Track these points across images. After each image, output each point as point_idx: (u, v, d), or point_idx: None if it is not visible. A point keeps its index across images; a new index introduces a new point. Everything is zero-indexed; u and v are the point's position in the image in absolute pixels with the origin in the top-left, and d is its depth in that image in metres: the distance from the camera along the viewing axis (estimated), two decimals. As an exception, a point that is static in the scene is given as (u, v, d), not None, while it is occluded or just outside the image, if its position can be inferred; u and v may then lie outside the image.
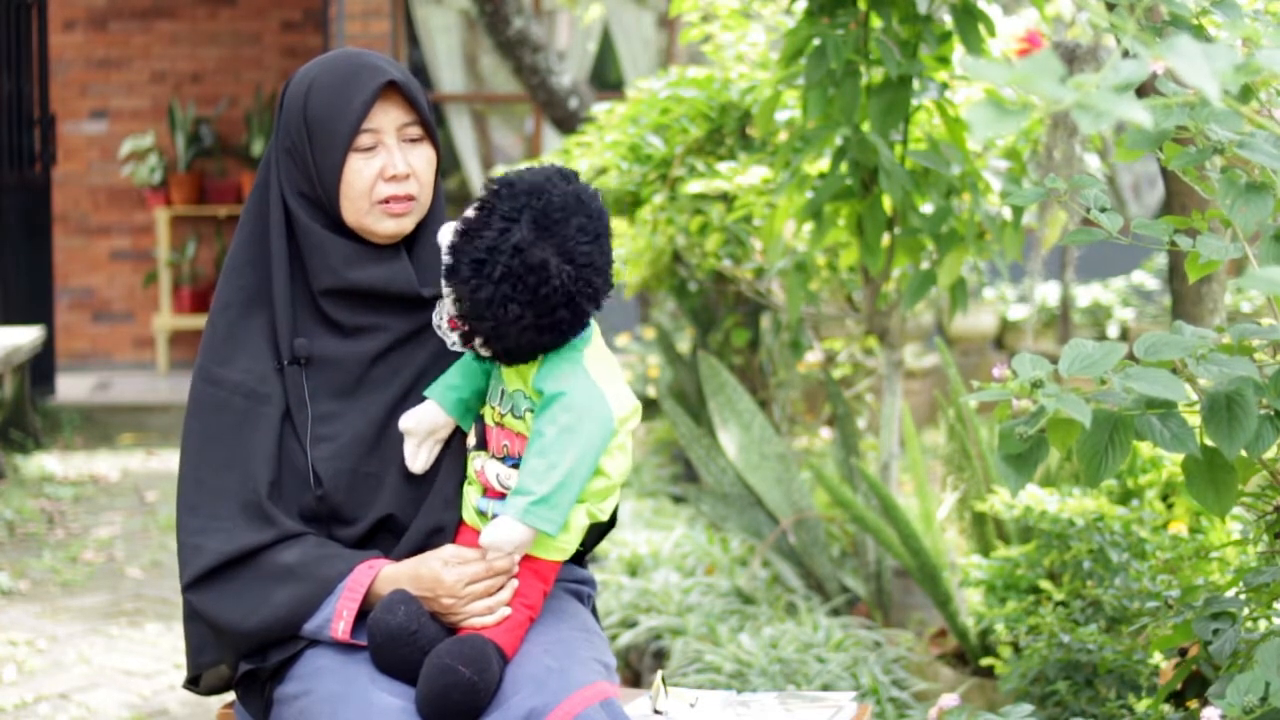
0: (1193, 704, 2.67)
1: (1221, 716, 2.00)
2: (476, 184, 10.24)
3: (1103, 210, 2.16)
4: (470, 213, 2.19)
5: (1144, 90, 3.01)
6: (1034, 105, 1.34)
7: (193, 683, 2.42)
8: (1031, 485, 3.47)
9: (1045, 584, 3.44)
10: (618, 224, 5.06)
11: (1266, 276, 1.51)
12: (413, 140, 2.32)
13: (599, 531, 2.37)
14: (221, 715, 2.48)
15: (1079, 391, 1.85)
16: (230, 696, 2.49)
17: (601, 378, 2.23)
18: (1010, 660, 3.42)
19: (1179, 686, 2.69)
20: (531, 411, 2.22)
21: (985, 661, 3.68)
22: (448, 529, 2.30)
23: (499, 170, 6.15)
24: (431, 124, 2.34)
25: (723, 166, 4.70)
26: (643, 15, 10.21)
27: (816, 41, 3.78)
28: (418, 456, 2.31)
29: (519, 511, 2.16)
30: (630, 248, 5.11)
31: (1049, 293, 9.48)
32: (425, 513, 2.30)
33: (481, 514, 2.26)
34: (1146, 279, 9.64)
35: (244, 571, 2.26)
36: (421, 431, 2.30)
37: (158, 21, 10.55)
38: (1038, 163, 4.08)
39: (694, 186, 4.70)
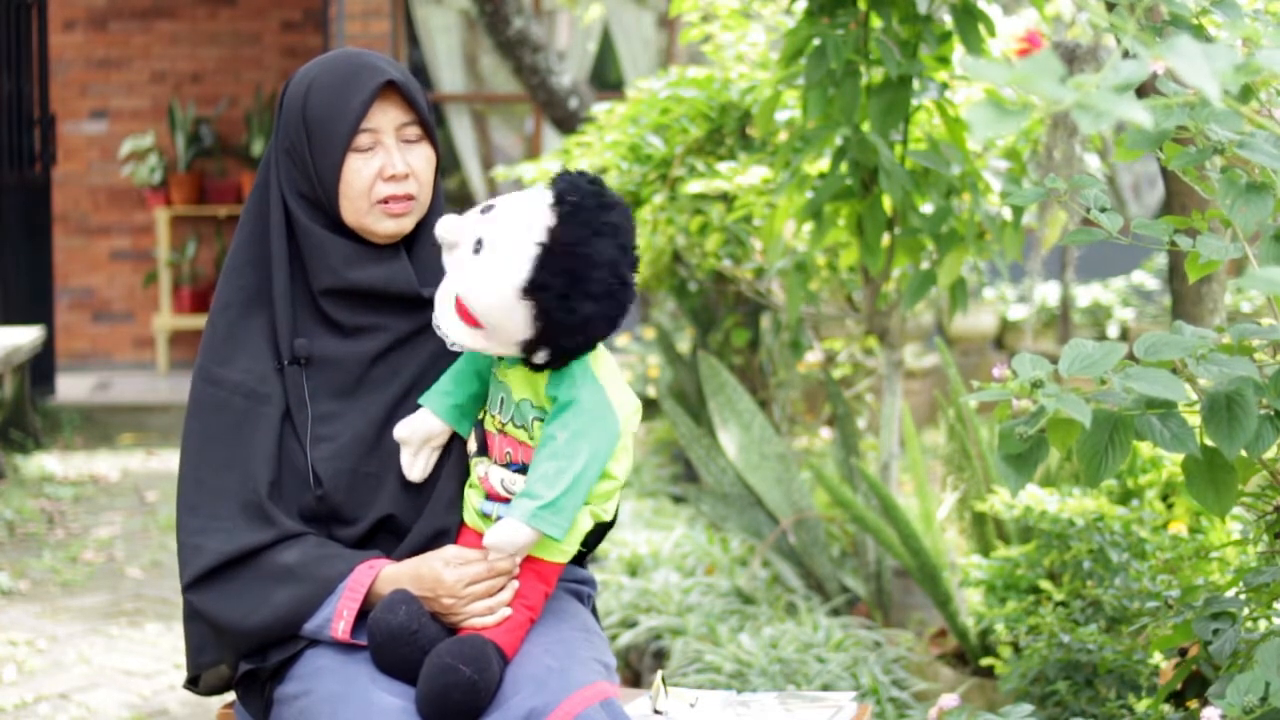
0: (1193, 704, 2.67)
1: (1221, 716, 2.00)
2: (477, 184, 10.24)
3: (1103, 210, 2.16)
4: (546, 223, 2.14)
5: (1144, 90, 3.01)
6: (1034, 105, 1.34)
7: (193, 683, 2.42)
8: (1031, 485, 3.47)
9: (1045, 584, 3.44)
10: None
11: (1266, 276, 1.51)
12: (411, 140, 2.32)
13: (600, 530, 2.37)
14: (221, 715, 2.48)
15: (1079, 391, 1.85)
16: (230, 696, 2.49)
17: (608, 382, 2.23)
18: (1010, 660, 3.42)
19: (1179, 686, 2.69)
20: (540, 420, 2.21)
21: (985, 661, 3.68)
22: (450, 532, 2.30)
23: (500, 171, 6.15)
24: (430, 124, 2.34)
25: (723, 166, 4.70)
26: (643, 15, 10.21)
27: (816, 41, 3.78)
28: (415, 465, 2.30)
29: (525, 514, 2.16)
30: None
31: (1049, 293, 9.48)
32: (428, 516, 2.30)
33: (485, 516, 2.26)
34: (1146, 279, 9.64)
35: (244, 571, 2.26)
36: (416, 440, 2.29)
37: (158, 21, 10.55)
38: (1038, 163, 4.08)
39: (694, 186, 4.70)
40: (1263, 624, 2.45)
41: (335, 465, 2.29)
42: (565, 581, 2.43)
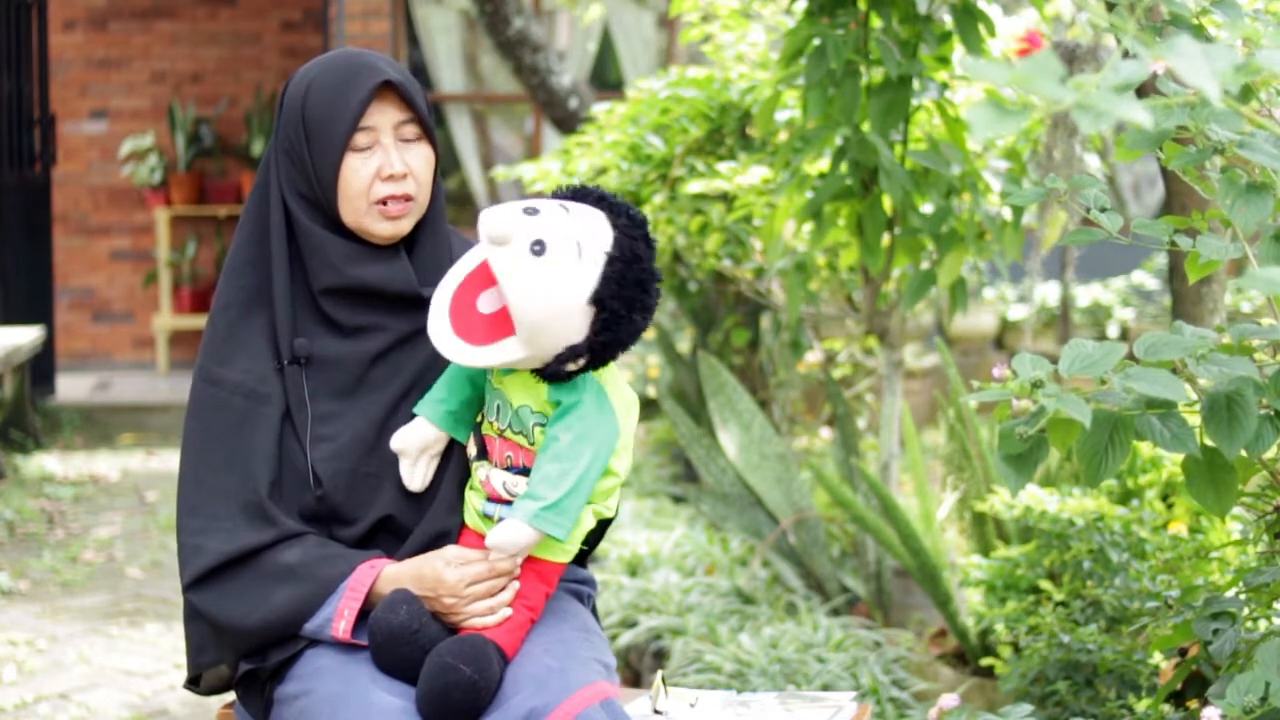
0: (1193, 704, 2.67)
1: (1221, 716, 2.00)
2: (476, 184, 10.24)
3: (1103, 210, 2.16)
4: (609, 234, 2.15)
5: (1144, 90, 3.01)
6: (1034, 105, 1.34)
7: (193, 682, 2.42)
8: (1031, 485, 3.47)
9: (1045, 584, 3.44)
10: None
11: (1266, 276, 1.51)
12: (410, 139, 2.32)
13: (602, 527, 2.37)
14: (221, 715, 2.48)
15: (1079, 391, 1.85)
16: (230, 696, 2.49)
17: (608, 382, 2.24)
18: (1010, 660, 3.42)
19: (1179, 686, 2.69)
20: (540, 425, 2.21)
21: (985, 661, 3.68)
22: (451, 534, 2.30)
23: (500, 171, 6.14)
24: (429, 124, 2.33)
25: (723, 166, 4.70)
26: (643, 15, 10.21)
27: (816, 41, 3.78)
28: (414, 475, 2.30)
29: (529, 515, 2.16)
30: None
31: (1049, 293, 9.48)
32: (429, 519, 2.30)
33: (486, 518, 2.26)
34: (1146, 279, 9.64)
35: (244, 571, 2.26)
36: (414, 450, 2.29)
37: (158, 21, 10.55)
38: (1038, 163, 4.08)
39: (694, 186, 4.70)
40: (1263, 624, 2.45)
41: (335, 465, 2.29)
42: (565, 581, 2.43)
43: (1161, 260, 8.97)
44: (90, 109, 10.55)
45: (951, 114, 3.91)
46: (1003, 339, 9.45)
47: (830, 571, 4.47)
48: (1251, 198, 1.97)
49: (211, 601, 2.27)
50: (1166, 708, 2.71)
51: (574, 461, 2.17)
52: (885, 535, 4.00)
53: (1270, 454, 2.22)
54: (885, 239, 4.00)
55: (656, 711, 2.47)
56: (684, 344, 6.49)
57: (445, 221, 2.41)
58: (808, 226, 4.26)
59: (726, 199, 4.87)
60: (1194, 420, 1.94)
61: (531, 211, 2.14)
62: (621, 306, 2.12)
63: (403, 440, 2.28)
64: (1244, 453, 1.92)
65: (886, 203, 3.95)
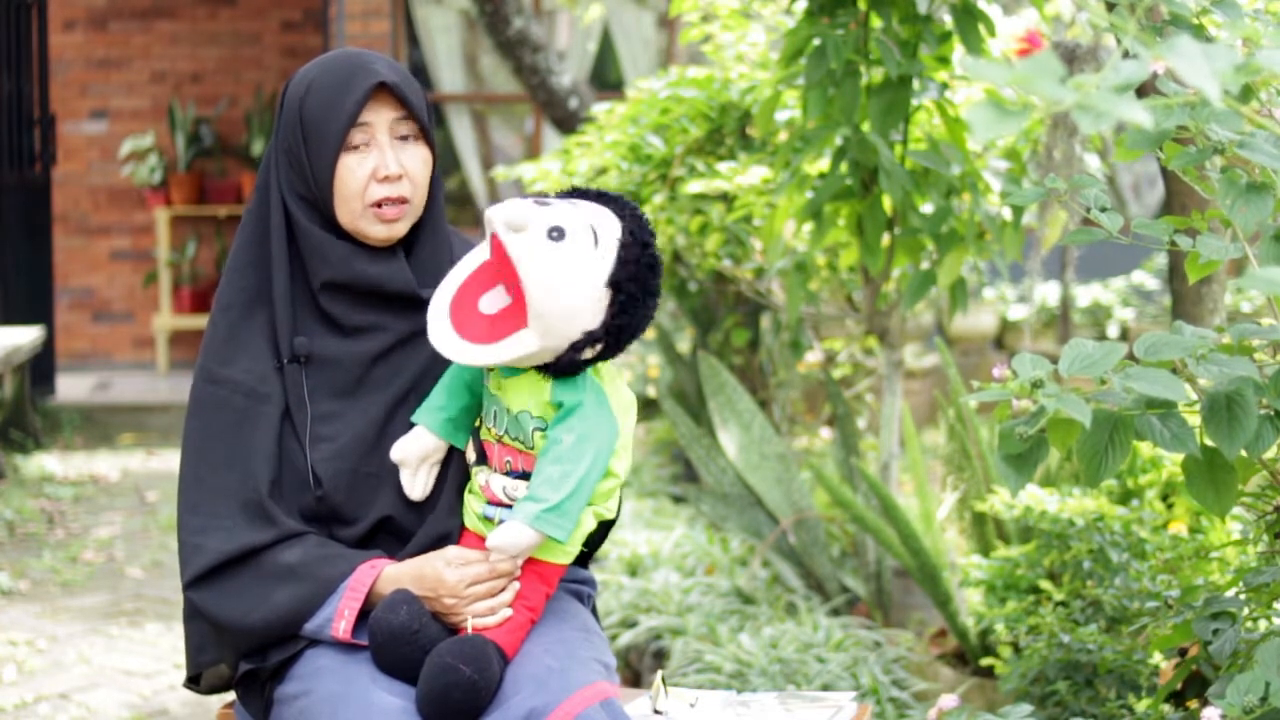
0: (1193, 704, 2.67)
1: (1221, 716, 2.00)
2: (476, 184, 10.25)
3: (1103, 210, 2.16)
4: (619, 223, 2.18)
5: (1144, 90, 3.01)
6: (1034, 106, 1.34)
7: (193, 681, 2.42)
8: (1031, 485, 3.47)
9: (1045, 584, 3.44)
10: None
11: (1266, 276, 1.51)
12: (405, 138, 2.31)
13: (604, 529, 2.37)
14: (221, 715, 2.48)
15: (1079, 391, 1.85)
16: (230, 696, 2.49)
17: (608, 383, 2.24)
18: (1010, 660, 3.42)
19: (1179, 686, 2.69)
20: (540, 431, 2.21)
21: (985, 661, 3.68)
22: (452, 536, 2.30)
23: (500, 171, 6.14)
24: (426, 125, 2.32)
25: (723, 166, 4.70)
26: (643, 15, 10.21)
27: (816, 41, 3.78)
28: (415, 484, 2.30)
29: (530, 517, 2.16)
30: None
31: (1049, 293, 9.48)
32: (431, 522, 2.30)
33: (487, 520, 2.26)
34: (1146, 279, 9.64)
35: (245, 570, 2.26)
36: (414, 460, 2.29)
37: (158, 21, 10.55)
38: (1038, 163, 4.08)
39: (694, 186, 4.70)
40: (1263, 624, 2.45)
41: (335, 465, 2.29)
42: (565, 582, 2.43)
43: (1161, 260, 8.97)
44: (90, 109, 10.55)
45: (951, 114, 3.91)
46: (1003, 339, 9.45)
47: (830, 571, 4.47)
48: (1251, 198, 1.97)
49: (212, 600, 2.27)
50: (1166, 708, 2.71)
51: (575, 463, 2.17)
52: (885, 535, 4.00)
53: (1270, 454, 2.22)
54: (885, 239, 4.00)
55: (656, 711, 2.47)
56: (684, 344, 6.50)
57: (445, 222, 2.41)
58: (808, 226, 4.26)
59: (726, 199, 4.87)
60: (1194, 420, 1.94)
61: (543, 202, 2.18)
62: (637, 289, 2.15)
63: (402, 450, 2.29)
64: (1244, 453, 1.92)
65: (886, 203, 3.95)
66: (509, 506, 2.22)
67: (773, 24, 4.76)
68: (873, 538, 4.14)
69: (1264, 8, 2.57)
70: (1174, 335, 1.94)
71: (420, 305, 2.31)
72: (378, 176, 2.28)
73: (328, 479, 2.28)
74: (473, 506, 2.28)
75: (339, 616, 2.23)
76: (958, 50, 3.89)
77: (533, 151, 10.02)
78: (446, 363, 2.31)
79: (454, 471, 2.32)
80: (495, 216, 2.14)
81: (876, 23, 3.82)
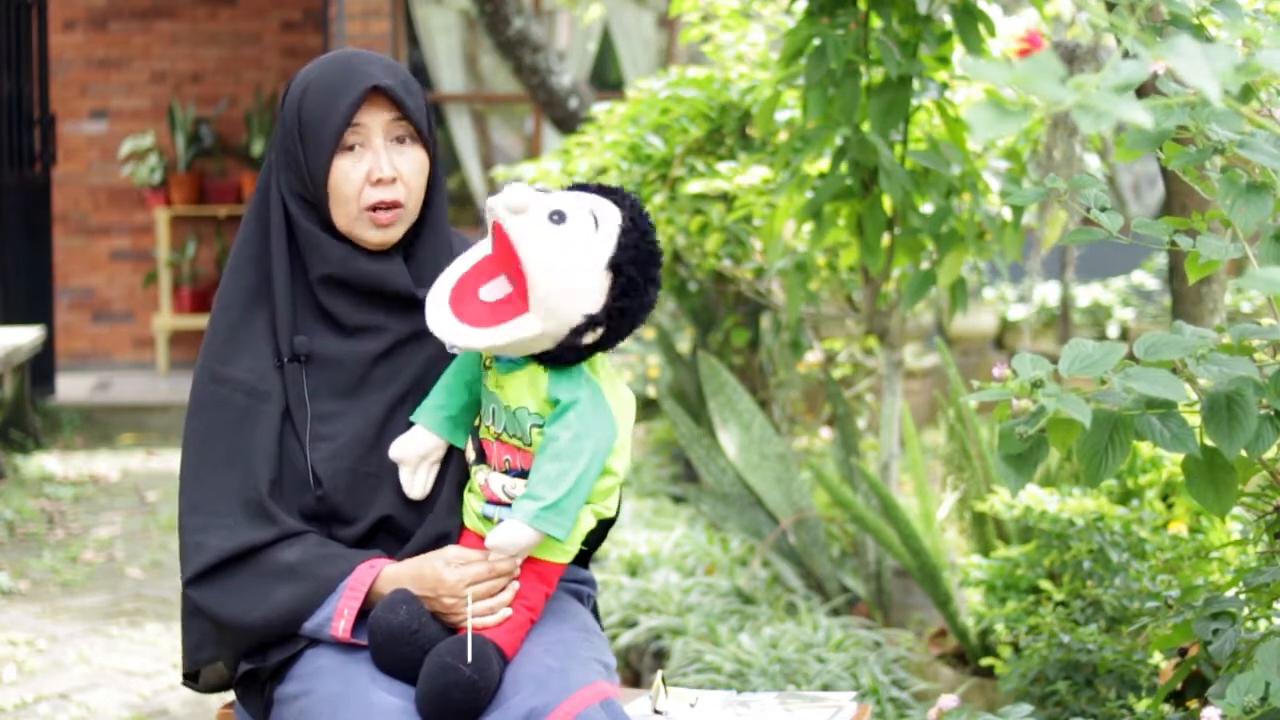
0: (1193, 704, 2.67)
1: (1221, 716, 2.00)
2: (477, 184, 10.25)
3: (1103, 210, 2.16)
4: (619, 210, 2.20)
5: (1144, 90, 3.01)
6: (1034, 106, 1.34)
7: (192, 679, 2.42)
8: (1031, 485, 3.47)
9: (1045, 584, 3.44)
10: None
11: (1266, 276, 1.51)
12: (400, 139, 2.31)
13: (603, 528, 2.37)
14: (221, 715, 2.48)
15: (1079, 391, 1.85)
16: (230, 696, 2.49)
17: (606, 380, 2.24)
18: (1010, 660, 3.42)
19: (1179, 686, 2.69)
20: (538, 428, 2.21)
21: (985, 661, 3.68)
22: (452, 535, 2.30)
23: (500, 171, 6.15)
24: (423, 127, 2.31)
25: (723, 166, 4.70)
26: (643, 15, 10.21)
27: (816, 41, 3.78)
28: (414, 483, 2.30)
29: (529, 516, 2.16)
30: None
31: (1049, 293, 9.48)
32: (431, 521, 2.30)
33: (485, 519, 2.26)
34: (1146, 279, 9.64)
35: (245, 569, 2.26)
36: (413, 458, 2.29)
37: (158, 21, 10.55)
38: (1038, 163, 4.08)
39: (694, 186, 4.70)
40: (1263, 624, 2.45)
41: (335, 465, 2.29)
42: (565, 581, 2.43)
43: (1161, 260, 8.97)
44: (90, 109, 10.55)
45: (951, 114, 3.91)
46: (1003, 339, 9.45)
47: (830, 571, 4.47)
48: (1251, 198, 1.97)
49: (212, 598, 2.27)
50: (1166, 708, 2.71)
51: (573, 461, 2.17)
52: (885, 535, 4.00)
53: (1270, 454, 2.22)
54: (885, 239, 4.00)
55: (656, 711, 2.47)
56: (684, 344, 6.49)
57: (446, 224, 2.41)
58: (808, 226, 4.26)
59: (726, 199, 4.87)
60: (1194, 420, 1.94)
61: (543, 190, 2.20)
62: (637, 273, 2.16)
63: (402, 449, 2.29)
64: (1244, 453, 1.92)
65: (886, 203, 3.95)
66: (508, 505, 2.22)
67: (773, 24, 4.76)
68: (873, 538, 4.14)
69: (1264, 8, 2.57)
70: (1174, 335, 1.94)
71: (420, 306, 2.31)
72: (371, 179, 2.28)
73: (327, 478, 2.28)
74: (472, 505, 2.28)
75: (338, 616, 2.23)
76: (958, 50, 3.89)
77: (533, 151, 10.02)
78: (446, 364, 2.32)
79: (453, 470, 2.32)
80: (497, 202, 2.15)
81: (876, 23, 3.82)
